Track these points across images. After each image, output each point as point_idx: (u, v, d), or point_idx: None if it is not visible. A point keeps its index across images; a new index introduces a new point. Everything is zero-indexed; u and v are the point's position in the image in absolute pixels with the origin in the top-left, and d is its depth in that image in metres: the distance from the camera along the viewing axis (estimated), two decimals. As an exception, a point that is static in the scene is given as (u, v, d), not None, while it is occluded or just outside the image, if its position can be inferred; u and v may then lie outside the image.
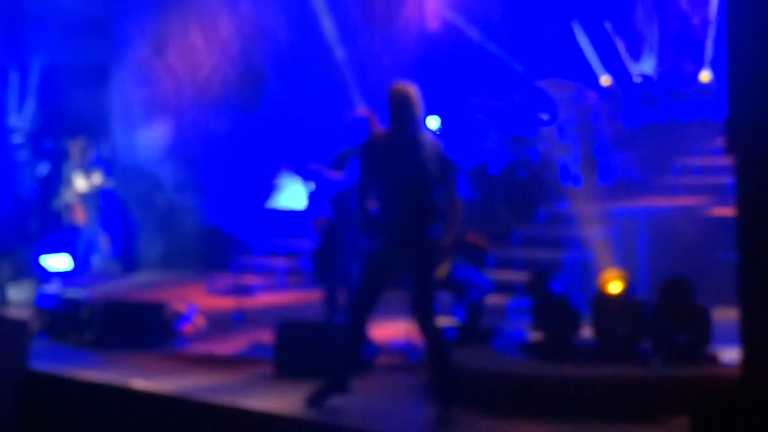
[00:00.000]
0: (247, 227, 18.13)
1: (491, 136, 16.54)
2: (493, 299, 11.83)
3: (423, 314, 9.12)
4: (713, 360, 9.33)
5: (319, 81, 18.40)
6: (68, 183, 20.13)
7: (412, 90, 9.20)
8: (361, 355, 9.83)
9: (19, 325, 9.19)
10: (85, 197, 19.86)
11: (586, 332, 10.09)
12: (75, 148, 20.12)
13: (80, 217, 19.98)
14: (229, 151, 15.55)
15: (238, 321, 13.79)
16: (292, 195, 19.71)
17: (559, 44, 17.48)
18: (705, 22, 17.73)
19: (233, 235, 16.74)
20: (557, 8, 18.50)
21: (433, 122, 18.33)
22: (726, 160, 14.04)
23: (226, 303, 14.98)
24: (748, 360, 7.68)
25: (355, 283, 9.66)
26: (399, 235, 9.07)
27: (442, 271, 9.08)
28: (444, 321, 10.92)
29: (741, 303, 7.74)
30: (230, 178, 15.99)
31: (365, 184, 9.28)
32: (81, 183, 19.72)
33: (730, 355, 8.97)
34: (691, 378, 8.72)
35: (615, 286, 9.90)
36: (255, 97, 19.59)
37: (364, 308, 9.31)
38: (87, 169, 19.79)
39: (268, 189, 19.88)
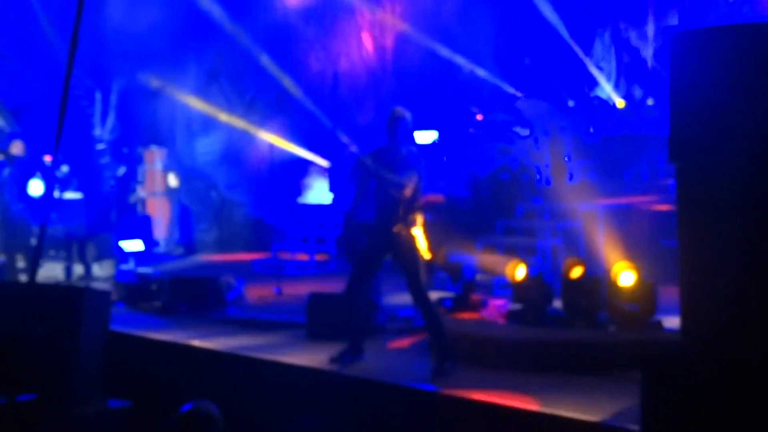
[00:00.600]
0: (284, 218, 18.11)
1: (480, 146, 16.50)
2: (481, 277, 11.81)
3: (415, 292, 9.18)
4: (658, 326, 9.30)
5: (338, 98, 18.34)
6: (142, 182, 20.14)
7: (407, 114, 9.30)
8: (365, 323, 9.86)
9: (103, 295, 9.15)
10: (160, 193, 19.88)
11: (557, 304, 10.08)
12: (147, 154, 20.14)
13: (153, 209, 20.00)
14: (270, 157, 15.55)
15: (277, 293, 13.77)
16: (320, 192, 19.71)
17: (536, 68, 17.42)
18: (653, 55, 17.68)
19: (273, 224, 16.74)
20: (536, 38, 18.43)
21: (431, 135, 18.30)
22: (669, 166, 14.01)
23: (267, 279, 14.97)
24: (686, 325, 7.66)
25: (352, 268, 9.69)
26: (388, 231, 9.12)
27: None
28: (442, 294, 10.95)
29: (681, 280, 7.72)
30: (270, 178, 16.01)
31: (360, 189, 9.43)
32: (156, 182, 19.75)
33: (672, 322, 8.93)
34: (641, 340, 8.70)
35: (576, 272, 9.87)
36: (289, 114, 19.57)
37: (357, 289, 9.41)
38: (164, 171, 19.83)
39: (301, 187, 19.87)
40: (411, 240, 9.18)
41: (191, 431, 5.45)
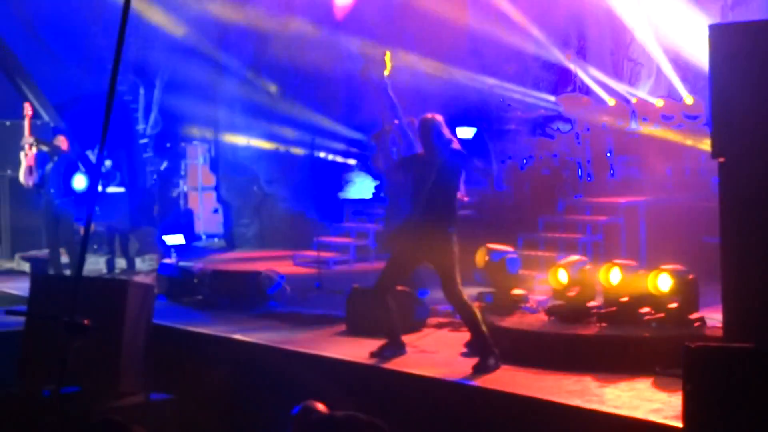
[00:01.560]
0: (325, 212, 18.16)
1: (521, 141, 16.46)
2: (522, 272, 11.79)
3: (450, 295, 9.20)
4: (701, 322, 9.25)
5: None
6: (184, 176, 20.28)
7: (437, 119, 9.29)
8: (409, 318, 9.92)
9: (146, 289, 9.24)
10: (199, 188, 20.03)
11: (598, 300, 10.05)
12: (190, 149, 20.26)
13: (194, 203, 20.14)
14: (310, 152, 15.60)
15: (317, 287, 13.81)
16: (361, 187, 19.73)
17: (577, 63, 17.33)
18: (693, 51, 17.54)
19: (314, 218, 16.79)
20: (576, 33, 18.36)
21: (470, 131, 18.26)
22: (711, 163, 13.92)
23: (308, 273, 15.02)
24: (729, 321, 7.64)
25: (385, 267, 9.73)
26: (423, 232, 9.13)
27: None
28: (483, 290, 10.94)
29: (723, 276, 7.69)
30: (311, 172, 16.07)
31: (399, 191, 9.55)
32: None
33: (714, 318, 8.89)
34: (682, 336, 8.65)
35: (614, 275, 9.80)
36: (331, 108, 19.60)
37: (386, 288, 9.50)
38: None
39: (342, 181, 19.90)
40: (446, 243, 9.17)
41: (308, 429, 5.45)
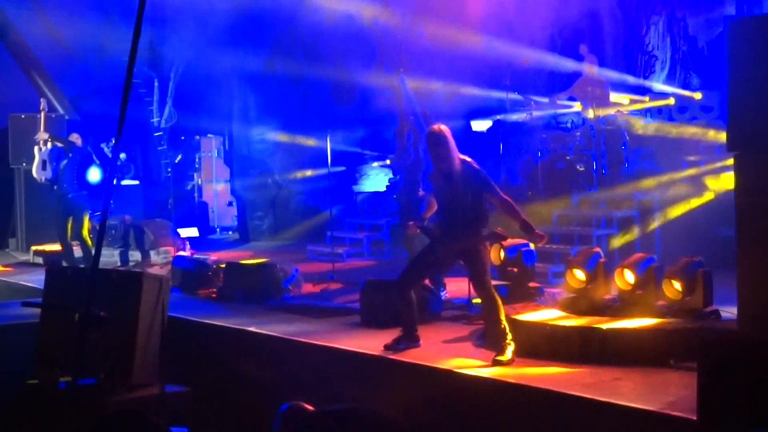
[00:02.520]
0: (339, 206, 18.16)
1: (536, 135, 16.42)
2: (537, 266, 11.78)
3: (480, 286, 9.18)
4: (715, 315, 9.23)
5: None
6: (198, 169, 20.32)
7: (444, 130, 9.26)
8: (422, 310, 9.91)
9: (161, 281, 9.24)
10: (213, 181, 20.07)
11: (613, 292, 10.04)
12: (204, 142, 20.30)
13: (208, 196, 20.18)
14: (325, 144, 15.59)
15: (331, 279, 13.82)
16: (375, 180, 19.74)
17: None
18: (708, 44, 17.48)
19: (328, 212, 16.79)
20: (592, 25, 18.30)
21: (486, 124, 18.25)
22: (727, 157, 13.89)
23: (322, 266, 15.03)
24: (744, 314, 7.63)
25: (411, 261, 9.73)
26: (451, 235, 9.14)
27: (541, 242, 9.17)
28: (498, 282, 10.93)
29: (738, 268, 7.68)
30: (325, 165, 16.04)
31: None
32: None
33: (729, 311, 8.87)
34: (697, 329, 8.64)
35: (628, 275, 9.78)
36: (344, 102, 19.60)
37: (410, 283, 9.48)
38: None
39: (356, 175, 19.92)
40: (480, 245, 9.17)
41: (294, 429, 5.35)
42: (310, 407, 5.53)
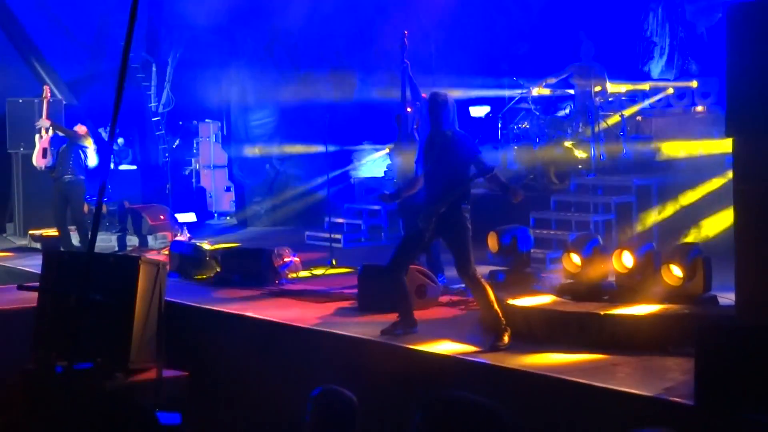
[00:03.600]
0: (336, 191, 18.13)
1: (534, 120, 16.40)
2: (535, 251, 11.78)
3: (463, 273, 9.19)
4: (713, 300, 9.23)
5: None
6: (196, 154, 20.30)
7: (447, 96, 9.28)
8: (421, 295, 9.90)
9: (158, 266, 9.23)
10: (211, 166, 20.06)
11: (610, 277, 10.03)
12: (202, 127, 20.28)
13: (206, 181, 20.16)
14: (322, 130, 15.57)
15: (329, 265, 13.80)
16: (372, 166, 19.72)
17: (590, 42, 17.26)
18: (707, 30, 17.45)
19: (325, 197, 16.77)
20: (590, 12, 18.25)
21: (484, 110, 18.23)
22: (725, 142, 13.87)
23: (320, 251, 15.02)
24: (741, 299, 7.62)
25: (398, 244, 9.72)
26: (430, 205, 9.14)
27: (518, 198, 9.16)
28: (495, 268, 10.92)
29: (736, 254, 7.68)
30: (323, 150, 16.03)
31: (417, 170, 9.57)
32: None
33: (727, 297, 8.86)
34: (694, 315, 8.63)
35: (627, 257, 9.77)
36: (344, 88, 19.57)
37: (400, 266, 9.46)
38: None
39: (353, 160, 19.90)
40: (460, 219, 9.16)
41: (328, 414, 5.37)
42: (348, 392, 5.56)
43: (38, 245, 16.64)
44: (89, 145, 15.20)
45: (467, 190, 9.25)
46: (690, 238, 12.75)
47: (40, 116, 16.34)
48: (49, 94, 16.36)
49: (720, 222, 12.64)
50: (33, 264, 14.10)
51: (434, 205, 9.14)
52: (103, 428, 3.98)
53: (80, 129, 15.45)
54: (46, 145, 15.99)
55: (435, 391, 3.85)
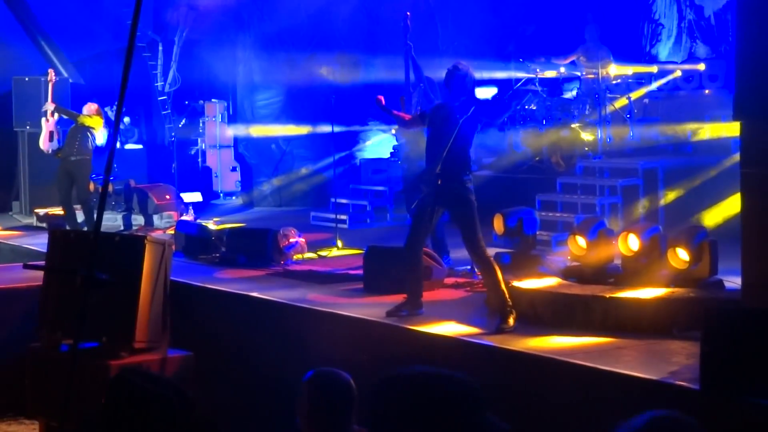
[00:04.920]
0: (342, 171, 18.12)
1: (541, 102, 16.35)
2: (541, 234, 11.77)
3: (471, 247, 9.19)
4: (719, 285, 9.22)
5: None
6: (202, 134, 20.26)
7: (468, 68, 9.32)
8: (424, 276, 9.89)
9: (164, 245, 9.23)
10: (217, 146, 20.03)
11: (616, 261, 10.02)
12: (209, 106, 20.25)
13: (211, 161, 20.14)
14: (328, 111, 15.54)
15: (334, 245, 13.79)
16: (378, 146, 19.70)
17: (597, 24, 17.21)
18: (715, 13, 17.39)
19: (331, 178, 16.77)
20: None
21: (491, 92, 18.17)
22: (733, 125, 13.83)
23: (325, 232, 15.01)
24: (747, 283, 7.61)
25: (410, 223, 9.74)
26: (432, 175, 9.14)
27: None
28: (500, 250, 10.91)
29: (743, 238, 7.66)
30: (329, 130, 16.01)
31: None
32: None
33: (733, 282, 8.85)
34: (700, 299, 8.62)
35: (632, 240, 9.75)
36: (351, 68, 19.51)
37: (417, 243, 9.45)
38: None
39: (359, 141, 19.87)
40: (465, 193, 9.16)
41: (323, 397, 5.15)
42: (345, 374, 5.46)
43: (44, 224, 16.65)
44: (96, 126, 15.17)
45: (468, 159, 9.26)
46: (698, 222, 12.73)
47: (46, 97, 16.32)
48: (53, 76, 16.33)
49: (727, 206, 12.61)
50: (38, 243, 14.11)
51: (434, 168, 9.14)
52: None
53: (91, 107, 15.42)
54: (53, 128, 15.99)
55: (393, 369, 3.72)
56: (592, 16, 16.90)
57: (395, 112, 10.02)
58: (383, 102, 9.93)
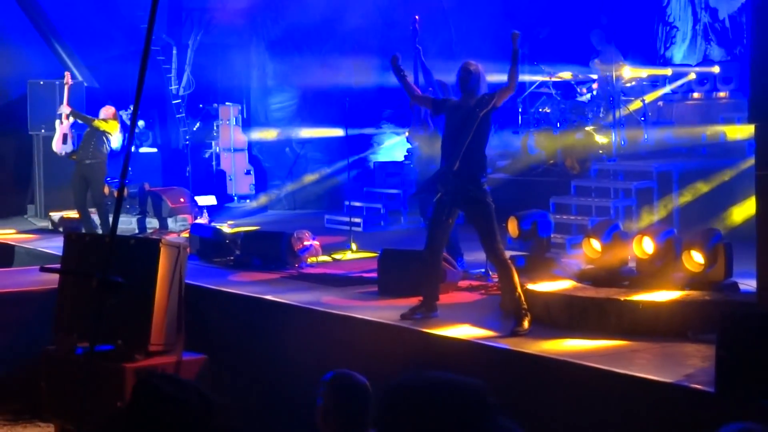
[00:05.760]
0: (356, 174, 18.12)
1: (555, 105, 16.35)
2: (555, 237, 11.75)
3: (488, 247, 9.17)
4: (734, 287, 9.19)
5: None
6: (216, 137, 20.30)
7: (474, 67, 9.31)
8: (441, 279, 9.88)
9: (179, 248, 9.24)
10: (231, 149, 20.05)
11: (631, 263, 10.00)
12: (223, 109, 20.28)
13: (226, 164, 20.17)
14: (342, 114, 15.56)
15: (348, 248, 13.80)
16: (391, 149, 19.70)
17: (611, 27, 17.21)
18: (729, 16, 17.36)
19: (345, 181, 16.78)
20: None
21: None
22: (748, 127, 13.81)
23: (339, 234, 15.02)
24: (763, 285, 7.59)
25: (427, 223, 9.73)
26: (448, 174, 9.12)
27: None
28: (515, 253, 10.89)
29: (758, 240, 7.65)
30: (343, 134, 16.04)
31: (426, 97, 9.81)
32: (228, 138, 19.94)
33: (748, 284, 8.83)
34: (715, 301, 8.60)
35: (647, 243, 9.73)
36: (364, 71, 19.52)
37: (437, 246, 9.42)
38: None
39: (373, 144, 19.88)
40: (482, 194, 9.15)
41: (341, 398, 5.36)
42: (360, 375, 5.54)
43: (59, 227, 16.69)
44: (111, 131, 15.21)
45: (484, 160, 9.25)
46: (715, 225, 12.70)
47: (61, 100, 16.35)
48: (69, 79, 16.37)
49: (744, 209, 12.58)
50: (54, 246, 14.15)
51: (450, 167, 9.13)
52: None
53: (108, 110, 15.44)
54: (66, 131, 16.03)
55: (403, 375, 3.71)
56: (597, 22, 16.89)
57: (408, 79, 9.94)
58: (399, 61, 9.86)
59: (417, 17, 11.29)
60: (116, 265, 8.51)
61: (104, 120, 15.30)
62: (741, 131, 14.37)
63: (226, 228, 14.95)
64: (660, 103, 16.85)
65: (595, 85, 16.56)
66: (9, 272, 13.22)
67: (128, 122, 16.24)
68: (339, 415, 5.30)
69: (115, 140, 15.30)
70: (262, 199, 20.13)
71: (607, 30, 16.85)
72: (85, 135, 15.45)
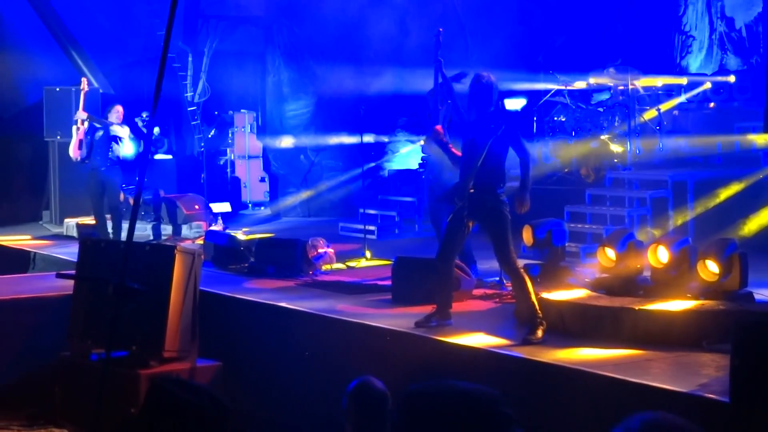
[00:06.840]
0: (371, 182, 18.15)
1: (570, 114, 16.34)
2: (570, 245, 11.74)
3: (503, 260, 9.18)
4: (749, 297, 9.18)
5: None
6: (231, 144, 20.34)
7: (491, 78, 9.32)
8: (455, 287, 9.88)
9: (193, 255, 9.27)
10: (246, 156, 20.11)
11: (645, 273, 10.00)
12: (237, 117, 20.33)
13: (240, 171, 20.22)
14: (357, 121, 15.60)
15: (362, 256, 13.81)
16: (406, 157, 19.71)
17: (627, 36, 17.22)
18: (746, 26, 17.35)
19: (359, 188, 16.79)
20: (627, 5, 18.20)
21: (520, 103, 18.16)
22: (763, 136, 13.83)
23: (353, 243, 15.03)
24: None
25: (441, 232, 9.74)
26: (465, 188, 9.13)
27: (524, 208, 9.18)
28: (529, 262, 10.90)
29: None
30: (358, 142, 16.06)
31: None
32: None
33: (764, 294, 8.82)
34: (730, 311, 8.59)
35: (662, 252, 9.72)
36: (380, 79, 19.55)
37: (449, 255, 9.42)
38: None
39: (388, 152, 19.90)
40: (499, 206, 9.16)
41: (363, 406, 5.55)
42: (380, 383, 5.66)
43: (74, 233, 16.74)
44: (124, 135, 15.26)
45: (502, 172, 9.25)
46: (730, 234, 12.68)
47: (77, 106, 16.40)
48: (86, 86, 16.42)
49: (759, 218, 12.56)
50: (69, 252, 14.19)
51: (468, 180, 9.14)
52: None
53: (118, 109, 15.47)
54: (82, 136, 16.07)
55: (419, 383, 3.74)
56: (613, 30, 16.91)
57: (452, 148, 9.91)
58: (441, 133, 9.90)
59: (441, 29, 11.28)
60: (131, 272, 8.54)
61: (118, 125, 15.35)
62: (756, 140, 14.35)
63: (240, 235, 14.97)
64: (675, 112, 16.82)
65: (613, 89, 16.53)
66: (25, 278, 13.27)
67: (143, 129, 16.27)
68: (358, 420, 5.44)
69: (128, 147, 15.32)
70: (277, 207, 20.16)
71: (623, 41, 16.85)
72: (100, 140, 15.45)
